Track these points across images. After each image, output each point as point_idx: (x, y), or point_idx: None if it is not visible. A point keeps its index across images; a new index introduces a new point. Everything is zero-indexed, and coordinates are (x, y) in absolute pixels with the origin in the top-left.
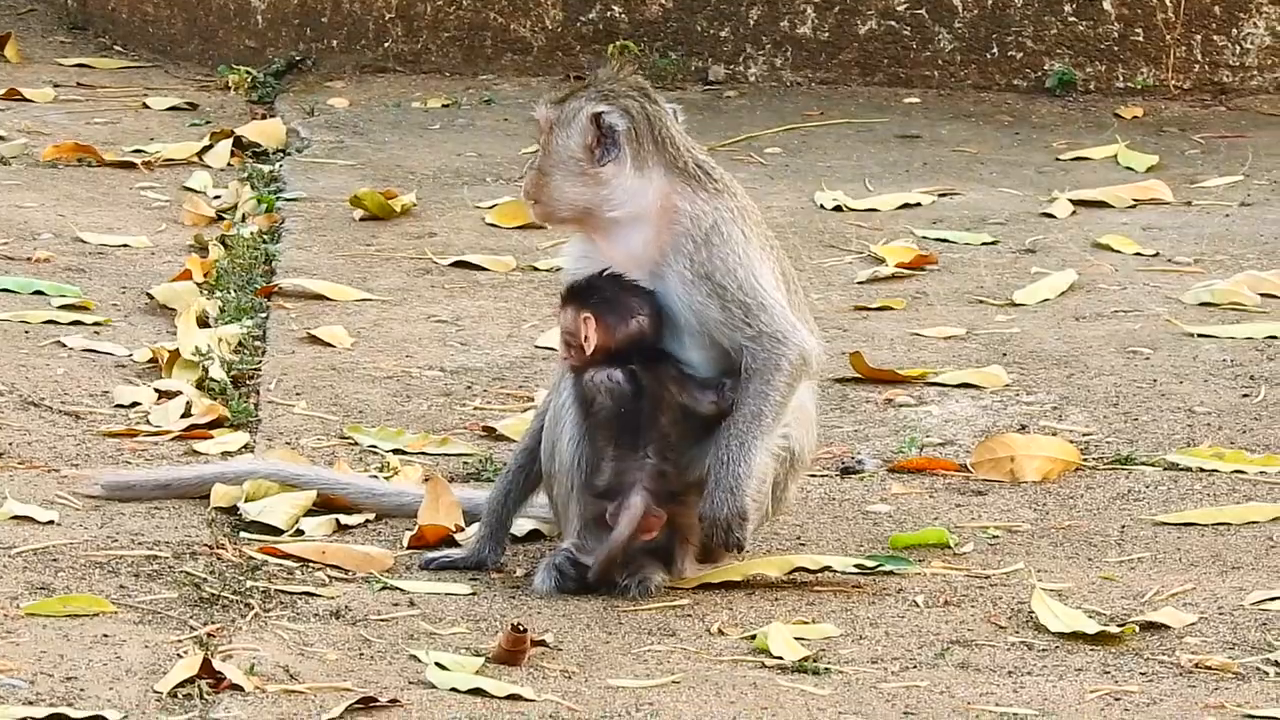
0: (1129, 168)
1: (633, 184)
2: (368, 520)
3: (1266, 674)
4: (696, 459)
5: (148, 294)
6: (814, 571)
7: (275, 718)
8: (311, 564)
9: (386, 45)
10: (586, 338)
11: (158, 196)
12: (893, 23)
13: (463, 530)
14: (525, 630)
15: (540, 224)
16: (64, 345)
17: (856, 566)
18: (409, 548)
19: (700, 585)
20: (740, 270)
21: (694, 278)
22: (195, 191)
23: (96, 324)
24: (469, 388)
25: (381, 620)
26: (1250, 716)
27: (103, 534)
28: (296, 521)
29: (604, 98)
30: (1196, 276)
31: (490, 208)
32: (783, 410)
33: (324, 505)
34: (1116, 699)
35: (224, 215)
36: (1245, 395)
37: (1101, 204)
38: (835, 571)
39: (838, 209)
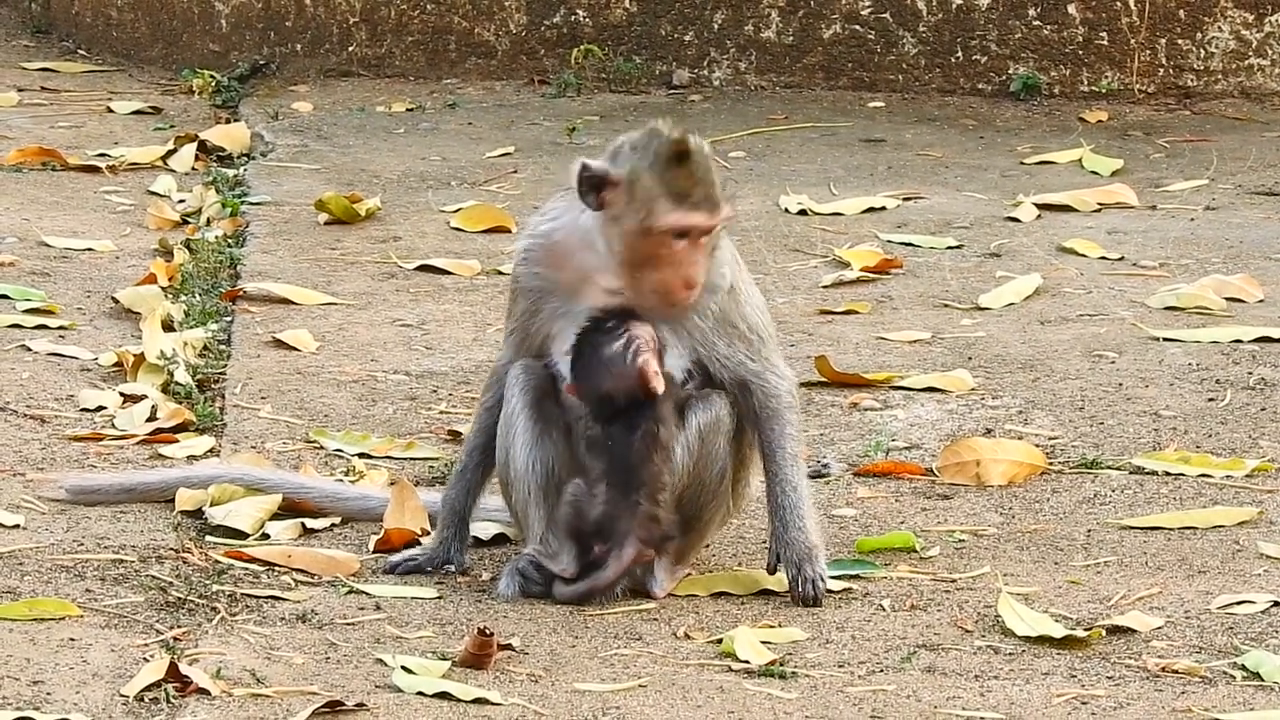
0: (1094, 172)
1: None
2: (333, 524)
3: (1233, 678)
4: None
5: (113, 298)
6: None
7: None
8: (277, 568)
9: (350, 49)
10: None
11: (122, 200)
12: (857, 27)
13: (429, 534)
14: (491, 634)
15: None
16: (29, 349)
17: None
18: (375, 551)
19: None
20: (754, 315)
21: (715, 323)
22: (160, 195)
23: (61, 328)
24: (434, 391)
25: (347, 624)
26: None
27: (68, 538)
28: (262, 525)
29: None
30: (1161, 280)
31: (455, 211)
32: (802, 440)
33: (289, 509)
34: (1083, 703)
35: (188, 219)
36: (1211, 399)
37: (1066, 208)
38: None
39: (802, 213)
